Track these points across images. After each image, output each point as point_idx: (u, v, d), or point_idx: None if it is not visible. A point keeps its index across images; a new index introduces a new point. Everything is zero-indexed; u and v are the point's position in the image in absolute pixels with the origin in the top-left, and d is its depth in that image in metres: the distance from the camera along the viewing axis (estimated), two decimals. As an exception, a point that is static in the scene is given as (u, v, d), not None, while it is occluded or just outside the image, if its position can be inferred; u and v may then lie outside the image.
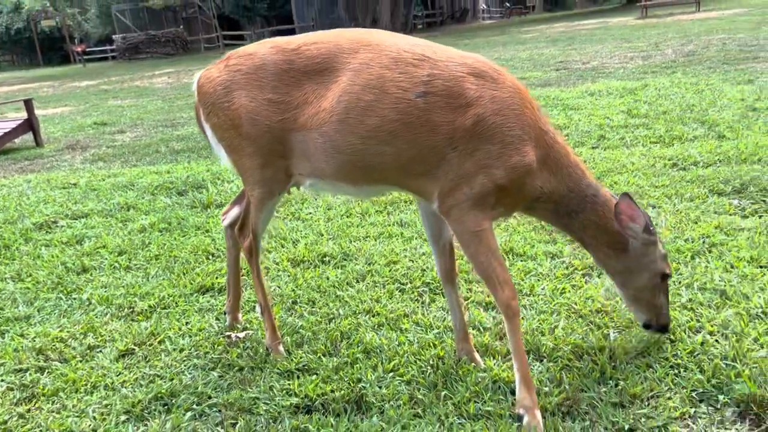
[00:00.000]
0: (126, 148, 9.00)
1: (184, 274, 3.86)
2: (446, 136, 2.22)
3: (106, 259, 4.26)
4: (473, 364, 2.59)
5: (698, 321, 2.74)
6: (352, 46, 2.35)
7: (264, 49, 2.50)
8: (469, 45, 23.67)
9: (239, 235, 2.89)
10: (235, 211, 3.00)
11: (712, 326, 2.67)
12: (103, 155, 8.56)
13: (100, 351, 3.06)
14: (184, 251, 4.24)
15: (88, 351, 3.06)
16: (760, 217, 3.93)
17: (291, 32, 42.55)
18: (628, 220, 2.33)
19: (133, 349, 3.05)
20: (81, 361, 2.98)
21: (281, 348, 2.85)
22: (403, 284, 3.45)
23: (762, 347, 2.48)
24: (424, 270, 3.57)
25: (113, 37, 41.43)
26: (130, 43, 39.30)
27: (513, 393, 2.39)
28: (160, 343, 3.09)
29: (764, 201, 4.12)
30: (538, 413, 2.22)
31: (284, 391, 2.56)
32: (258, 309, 2.86)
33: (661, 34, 18.32)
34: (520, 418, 2.23)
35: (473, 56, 2.31)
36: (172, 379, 2.76)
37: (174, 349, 3.01)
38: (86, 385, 2.77)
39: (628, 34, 19.77)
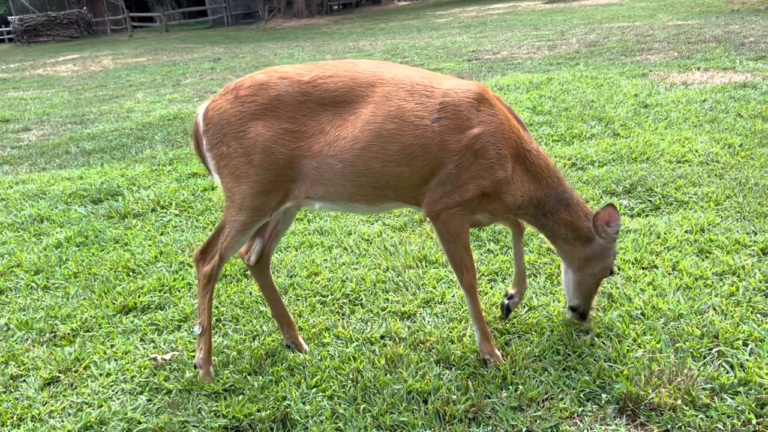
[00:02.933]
0: (33, 148, 8.67)
1: (105, 293, 3.89)
2: (453, 153, 2.60)
3: (22, 279, 4.21)
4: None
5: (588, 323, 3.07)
6: (368, 80, 2.65)
7: (275, 79, 2.69)
8: (385, 29, 23.86)
9: (200, 258, 2.91)
10: (258, 245, 3.04)
11: (599, 328, 3.00)
12: (9, 158, 8.21)
13: (24, 380, 3.08)
14: (104, 268, 4.24)
15: (11, 381, 3.08)
16: (646, 216, 4.35)
17: (203, 14, 41.31)
18: (604, 224, 2.79)
19: (58, 377, 3.09)
20: (4, 393, 2.99)
21: (212, 370, 2.96)
22: (324, 296, 3.63)
23: (639, 347, 2.83)
24: (344, 280, 3.76)
25: (9, 18, 38.88)
26: (29, 25, 37.04)
27: (425, 402, 2.63)
28: (85, 368, 3.14)
29: (650, 200, 4.55)
30: (497, 352, 2.86)
31: (213, 413, 2.70)
32: (197, 329, 2.92)
33: (567, 20, 19.15)
34: (486, 362, 2.84)
35: (474, 83, 2.70)
36: (101, 406, 2.84)
37: (100, 375, 3.08)
38: (12, 417, 2.81)
39: (536, 20, 20.53)
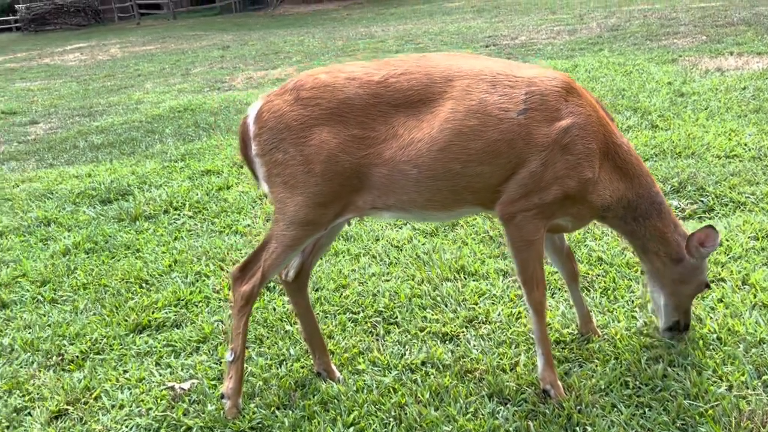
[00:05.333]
0: (40, 143, 8.39)
1: (116, 308, 3.58)
2: (540, 148, 2.33)
3: (28, 291, 3.92)
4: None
5: (656, 348, 2.73)
6: (444, 74, 2.37)
7: (341, 80, 2.40)
8: (396, 15, 23.38)
9: (239, 276, 2.58)
10: (297, 260, 2.73)
11: (670, 355, 2.67)
12: (15, 153, 7.94)
13: (29, 413, 2.79)
14: (114, 279, 3.94)
15: (15, 414, 2.79)
16: (699, 218, 4.00)
17: (210, 0, 40.63)
18: (698, 244, 2.54)
19: (66, 410, 2.79)
20: (8, 428, 2.70)
21: (240, 402, 2.64)
22: (355, 313, 3.31)
23: (722, 380, 2.49)
24: (375, 294, 3.44)
25: (16, 6, 38.56)
26: (36, 14, 36.70)
27: (481, 446, 2.32)
28: (96, 399, 2.84)
29: (702, 201, 4.19)
30: (560, 384, 2.54)
31: (239, 457, 2.40)
32: (229, 356, 2.59)
33: (584, 3, 18.62)
34: (546, 393, 2.51)
35: (558, 72, 2.45)
36: (114, 446, 2.55)
37: (112, 406, 2.78)
38: (15, 459, 2.52)
39: (552, 3, 19.99)
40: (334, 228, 2.70)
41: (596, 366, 2.68)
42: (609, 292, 3.23)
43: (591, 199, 2.44)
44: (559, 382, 2.54)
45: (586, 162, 2.37)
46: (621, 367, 2.64)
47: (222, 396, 2.64)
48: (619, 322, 2.96)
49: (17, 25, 38.27)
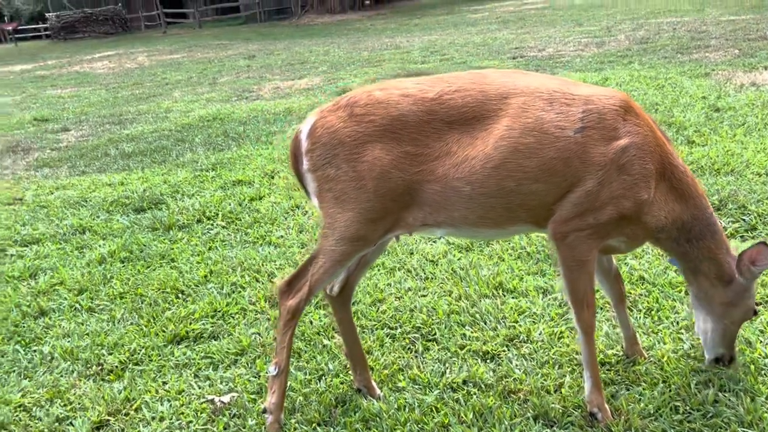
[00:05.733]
0: (72, 150, 8.50)
1: (153, 318, 3.60)
2: (597, 167, 2.30)
3: (66, 299, 3.95)
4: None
5: (705, 372, 2.67)
6: (499, 92, 2.35)
7: (396, 97, 2.40)
8: (420, 25, 23.43)
9: (285, 290, 2.56)
10: (343, 274, 2.70)
11: (720, 379, 2.60)
12: (48, 160, 8.06)
13: (71, 423, 2.80)
14: (151, 288, 3.96)
15: (57, 424, 2.80)
16: (742, 238, 3.92)
17: (235, 10, 41.11)
18: (749, 262, 2.46)
19: (108, 420, 2.80)
20: (50, 438, 2.72)
21: (282, 417, 2.62)
22: (392, 329, 3.29)
23: (775, 408, 2.43)
24: (413, 310, 3.41)
25: (47, 15, 39.38)
26: (66, 22, 37.46)
27: (528, 470, 2.28)
28: (136, 410, 2.85)
29: (743, 219, 4.11)
30: (607, 407, 2.51)
31: (282, 474, 2.38)
32: (273, 369, 2.56)
33: (610, 16, 18.49)
34: (594, 416, 2.49)
35: (616, 91, 2.43)
36: (155, 459, 2.55)
37: (153, 418, 2.78)
38: (59, 470, 2.53)
39: (577, 15, 19.89)
40: (381, 244, 2.68)
41: (644, 389, 2.63)
42: (653, 312, 3.17)
43: (646, 220, 2.41)
44: (607, 405, 2.49)
45: (643, 183, 2.33)
46: (670, 391, 2.58)
47: (264, 410, 2.63)
48: (664, 344, 2.90)
49: (47, 32, 39.02)
